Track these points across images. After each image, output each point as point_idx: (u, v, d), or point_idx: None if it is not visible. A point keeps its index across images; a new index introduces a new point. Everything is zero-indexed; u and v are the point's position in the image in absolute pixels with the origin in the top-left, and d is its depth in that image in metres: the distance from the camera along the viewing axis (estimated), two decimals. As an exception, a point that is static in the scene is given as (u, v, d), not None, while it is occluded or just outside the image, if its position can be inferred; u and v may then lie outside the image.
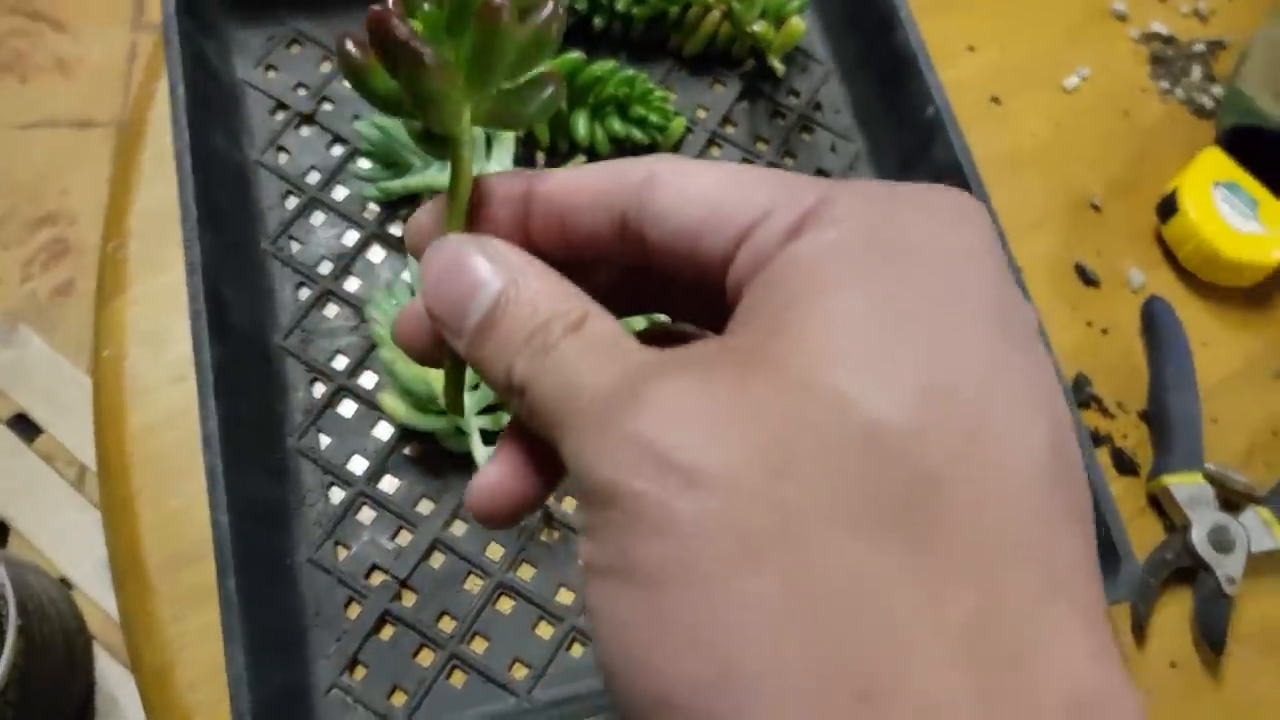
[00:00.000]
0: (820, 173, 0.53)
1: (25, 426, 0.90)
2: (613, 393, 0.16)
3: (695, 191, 0.18)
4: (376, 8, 0.18)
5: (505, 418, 0.44)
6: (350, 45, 0.19)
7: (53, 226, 1.11)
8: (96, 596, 0.80)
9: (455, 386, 0.22)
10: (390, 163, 0.48)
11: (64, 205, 1.12)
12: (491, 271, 0.19)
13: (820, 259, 0.16)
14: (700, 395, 0.15)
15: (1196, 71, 0.60)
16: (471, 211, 0.21)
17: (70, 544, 0.82)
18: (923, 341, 0.15)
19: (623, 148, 0.51)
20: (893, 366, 0.15)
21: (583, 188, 0.20)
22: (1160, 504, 0.51)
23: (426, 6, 0.20)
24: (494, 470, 0.21)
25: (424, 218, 0.21)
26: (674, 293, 0.22)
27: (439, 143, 0.21)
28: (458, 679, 0.42)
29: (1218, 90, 0.60)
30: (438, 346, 0.21)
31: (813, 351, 0.15)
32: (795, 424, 0.14)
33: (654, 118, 0.49)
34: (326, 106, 0.52)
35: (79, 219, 1.11)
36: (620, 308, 0.21)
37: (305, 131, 0.51)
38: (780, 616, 0.14)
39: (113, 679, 0.78)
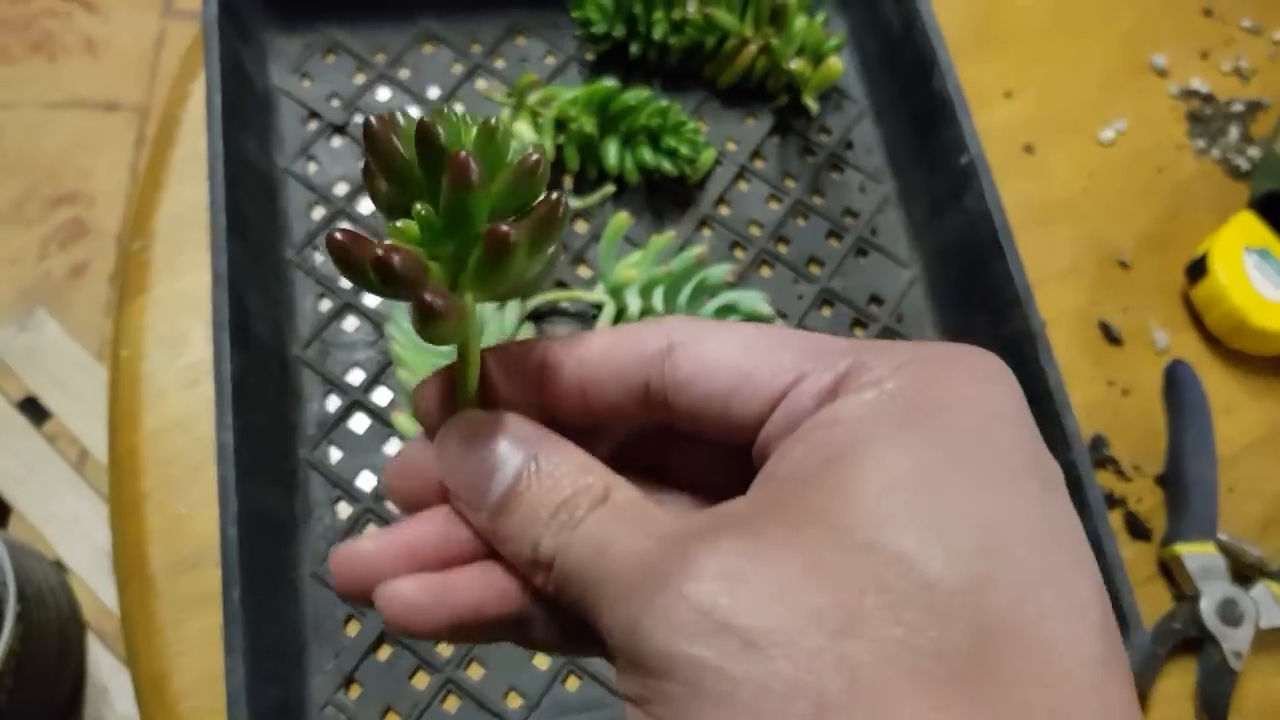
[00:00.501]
0: (848, 213, 0.53)
1: (35, 410, 0.90)
2: (657, 559, 0.16)
3: (721, 358, 0.19)
4: (380, 248, 0.18)
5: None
6: (342, 238, 0.18)
7: (72, 206, 1.11)
8: (92, 583, 0.80)
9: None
10: (419, 180, 0.48)
11: (84, 186, 1.12)
12: (509, 449, 0.19)
13: (862, 419, 0.17)
14: (752, 555, 0.15)
15: (1234, 132, 0.59)
16: (483, 383, 0.20)
17: (70, 529, 0.82)
18: (971, 499, 0.15)
19: (651, 178, 0.51)
20: (946, 525, 0.15)
21: (602, 362, 0.20)
22: (1171, 571, 0.50)
23: (420, 207, 0.19)
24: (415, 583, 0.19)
25: (432, 388, 0.21)
26: (691, 449, 0.22)
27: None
28: (451, 704, 0.42)
29: (1254, 152, 0.59)
30: (439, 499, 0.21)
31: (866, 510, 0.15)
32: (855, 583, 0.15)
33: (685, 150, 0.49)
34: (358, 118, 0.52)
35: (98, 201, 1.11)
36: (636, 462, 0.21)
37: (336, 142, 0.51)
38: None
39: (104, 668, 0.78)
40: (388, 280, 0.18)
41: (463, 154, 0.18)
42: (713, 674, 0.14)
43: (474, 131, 0.19)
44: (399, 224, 0.19)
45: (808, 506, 0.16)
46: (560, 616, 0.19)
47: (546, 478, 0.18)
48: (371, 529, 0.42)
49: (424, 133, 0.18)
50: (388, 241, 0.18)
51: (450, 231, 0.19)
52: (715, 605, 0.15)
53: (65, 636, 0.74)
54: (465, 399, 0.20)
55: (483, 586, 0.19)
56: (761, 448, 0.19)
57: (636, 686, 0.16)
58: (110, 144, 1.15)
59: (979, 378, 0.17)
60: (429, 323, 0.18)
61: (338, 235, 0.18)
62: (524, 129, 0.47)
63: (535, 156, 0.19)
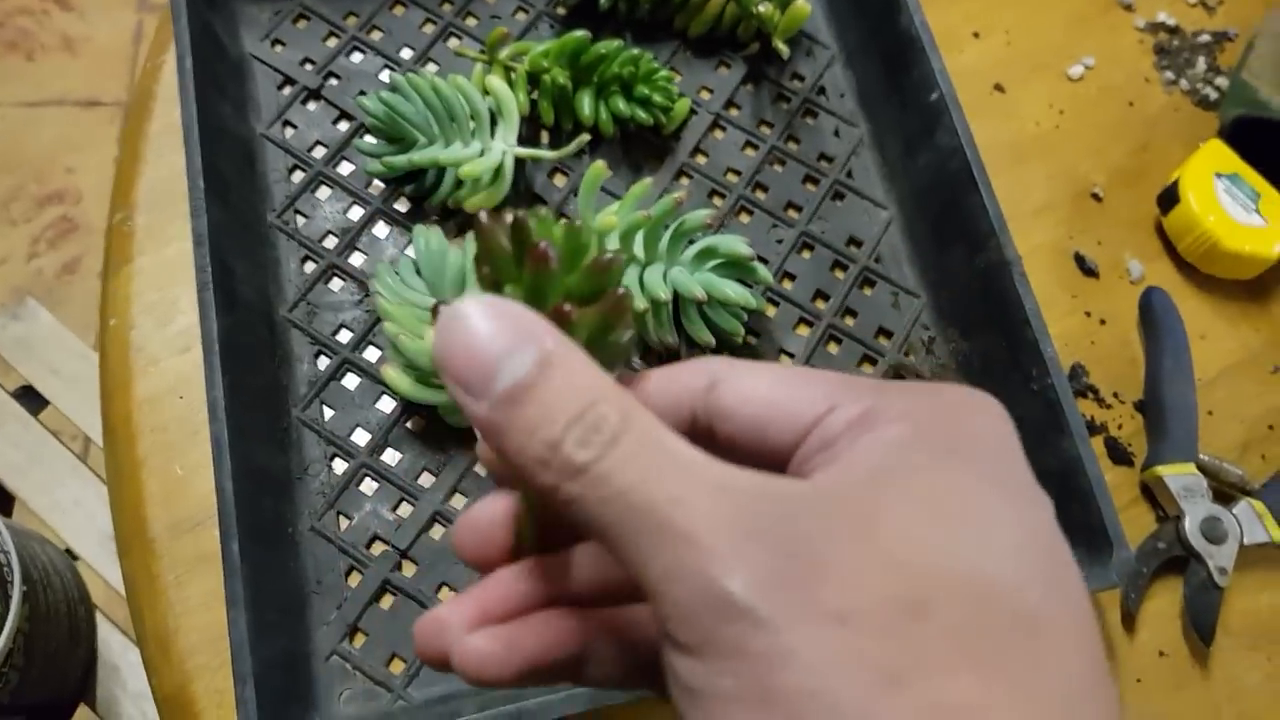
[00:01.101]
0: (823, 157, 0.54)
1: (32, 399, 0.91)
2: (730, 518, 0.17)
3: (758, 393, 0.21)
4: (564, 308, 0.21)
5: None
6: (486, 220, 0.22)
7: (59, 205, 1.11)
8: (99, 568, 0.81)
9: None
10: (395, 138, 0.48)
11: (70, 184, 1.12)
12: (527, 335, 0.19)
13: (905, 444, 0.19)
14: (828, 542, 0.17)
15: (1201, 63, 0.60)
16: None
17: (74, 516, 0.83)
18: (1005, 514, 0.18)
19: (625, 128, 0.52)
20: (990, 532, 0.18)
21: (656, 396, 0.22)
22: (1153, 494, 0.51)
23: (509, 288, 0.22)
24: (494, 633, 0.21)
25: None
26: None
27: None
28: (454, 649, 0.43)
29: (1222, 82, 0.60)
30: (506, 556, 0.22)
31: (922, 517, 0.18)
32: (924, 574, 0.17)
33: (658, 98, 0.50)
34: (332, 82, 0.52)
35: (85, 197, 1.12)
36: None
37: (312, 106, 0.52)
38: None
39: (114, 648, 0.79)
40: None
41: (543, 244, 0.21)
42: (797, 637, 0.16)
43: (561, 229, 0.22)
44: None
45: (866, 513, 0.18)
46: (618, 654, 0.21)
47: (561, 375, 0.18)
48: (447, 594, 0.43)
49: (518, 226, 0.22)
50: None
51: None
52: (800, 576, 0.17)
53: (74, 618, 0.75)
54: None
55: (546, 634, 0.21)
56: (797, 468, 0.21)
57: (700, 639, 0.17)
58: (94, 141, 1.15)
59: (989, 415, 0.20)
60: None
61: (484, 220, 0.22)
62: (497, 84, 0.48)
63: (610, 256, 0.22)
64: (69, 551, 0.83)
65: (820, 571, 0.17)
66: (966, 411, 0.20)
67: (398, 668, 0.42)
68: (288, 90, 0.52)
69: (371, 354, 0.47)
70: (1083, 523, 0.43)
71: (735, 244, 0.46)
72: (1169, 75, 0.60)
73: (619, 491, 0.17)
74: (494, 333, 0.19)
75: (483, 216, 0.22)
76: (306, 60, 0.52)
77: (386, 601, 0.43)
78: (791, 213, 0.53)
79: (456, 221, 0.49)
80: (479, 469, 0.45)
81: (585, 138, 0.49)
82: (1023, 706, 0.16)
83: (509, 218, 0.22)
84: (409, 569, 0.44)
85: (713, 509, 0.17)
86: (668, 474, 0.18)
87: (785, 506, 0.18)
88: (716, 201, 0.52)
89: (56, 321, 0.95)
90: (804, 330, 0.50)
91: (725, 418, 0.21)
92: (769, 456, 0.21)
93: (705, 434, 0.22)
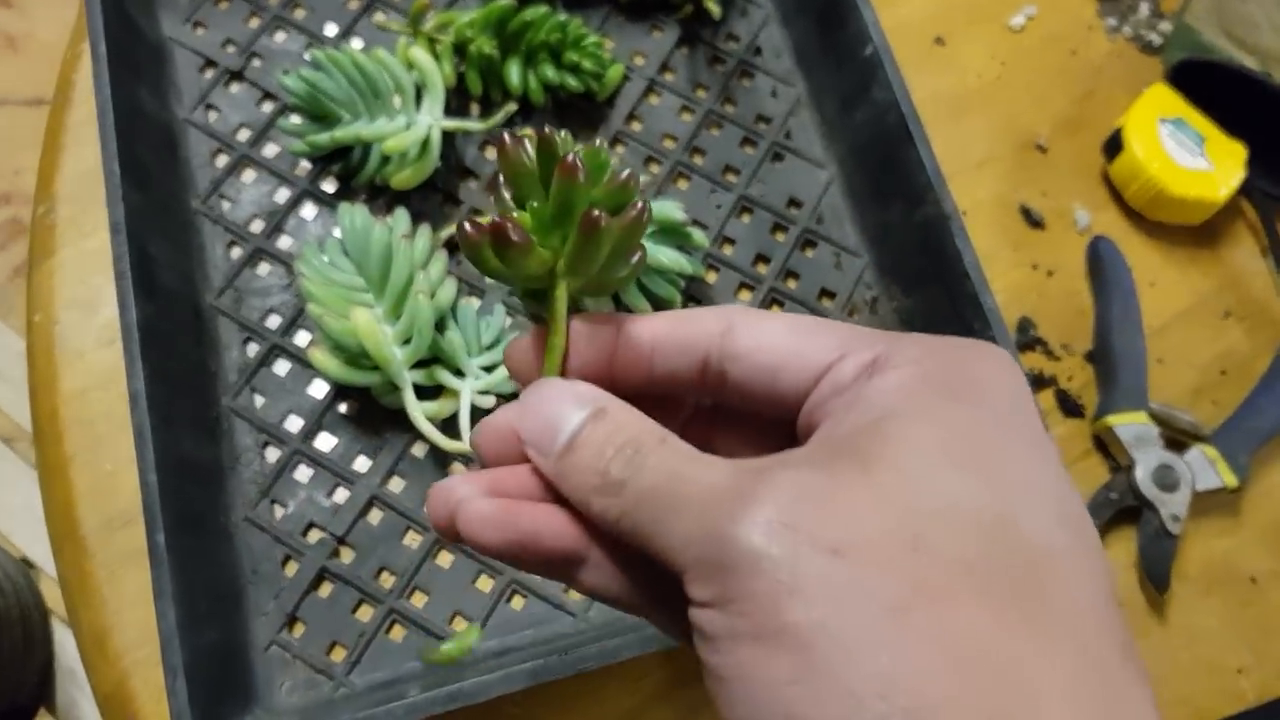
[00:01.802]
0: (761, 119, 0.53)
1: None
2: (738, 482, 0.19)
3: (773, 337, 0.22)
4: (498, 219, 0.22)
5: (439, 372, 0.43)
6: (469, 228, 0.23)
7: (8, 206, 1.09)
8: (53, 570, 0.80)
9: None
10: (318, 116, 0.47)
11: (18, 185, 1.10)
12: (579, 402, 0.22)
13: (909, 389, 0.20)
14: (828, 484, 0.18)
15: (1144, 8, 0.59)
16: (568, 347, 0.24)
17: (24, 520, 0.82)
18: (1011, 456, 0.19)
19: (557, 96, 0.51)
20: (994, 472, 0.18)
21: (670, 334, 0.23)
22: (1105, 445, 0.51)
23: (535, 203, 0.23)
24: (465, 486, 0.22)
25: (520, 348, 0.25)
26: (734, 441, 0.25)
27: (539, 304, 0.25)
28: (397, 633, 0.42)
29: (1165, 26, 0.59)
30: (519, 455, 0.23)
31: (923, 456, 0.18)
32: (919, 510, 0.18)
33: (588, 64, 0.49)
34: (256, 62, 0.51)
35: (34, 199, 1.10)
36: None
37: (235, 88, 0.50)
38: (926, 666, 0.16)
39: (72, 652, 0.78)
40: (505, 250, 0.22)
41: (570, 155, 0.22)
42: (800, 573, 0.17)
43: (580, 148, 0.23)
44: (516, 214, 0.23)
45: (871, 452, 0.19)
46: (612, 561, 0.22)
47: (611, 422, 0.21)
48: (387, 579, 0.42)
49: (545, 140, 0.23)
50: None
51: (556, 222, 0.23)
52: (801, 517, 0.17)
53: (28, 623, 0.74)
54: (551, 361, 0.23)
55: (546, 518, 0.22)
56: (808, 415, 0.21)
57: (719, 590, 0.18)
58: (39, 140, 1.13)
59: (996, 365, 0.21)
60: (528, 269, 0.23)
61: (467, 226, 0.23)
62: (420, 56, 0.47)
63: (629, 172, 0.24)
64: (27, 560, 0.82)
65: (822, 512, 0.18)
66: (975, 358, 0.21)
67: (339, 655, 0.41)
68: (209, 73, 0.50)
69: (301, 338, 0.46)
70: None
71: (670, 210, 0.45)
72: (1112, 22, 0.59)
73: (649, 491, 0.20)
74: (559, 400, 0.22)
75: (506, 137, 0.23)
76: (228, 41, 0.51)
77: (325, 589, 0.42)
78: (730, 176, 0.52)
79: (385, 199, 0.48)
80: (416, 451, 0.45)
81: (512, 107, 0.48)
82: (1033, 634, 0.17)
83: (533, 136, 0.23)
84: (347, 555, 0.43)
85: (721, 478, 0.19)
86: (686, 467, 0.20)
87: (789, 463, 0.19)
88: (653, 168, 0.51)
89: (3, 325, 0.94)
90: (746, 295, 0.49)
91: (737, 360, 0.22)
92: (780, 403, 0.22)
93: (717, 378, 0.23)
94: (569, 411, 0.22)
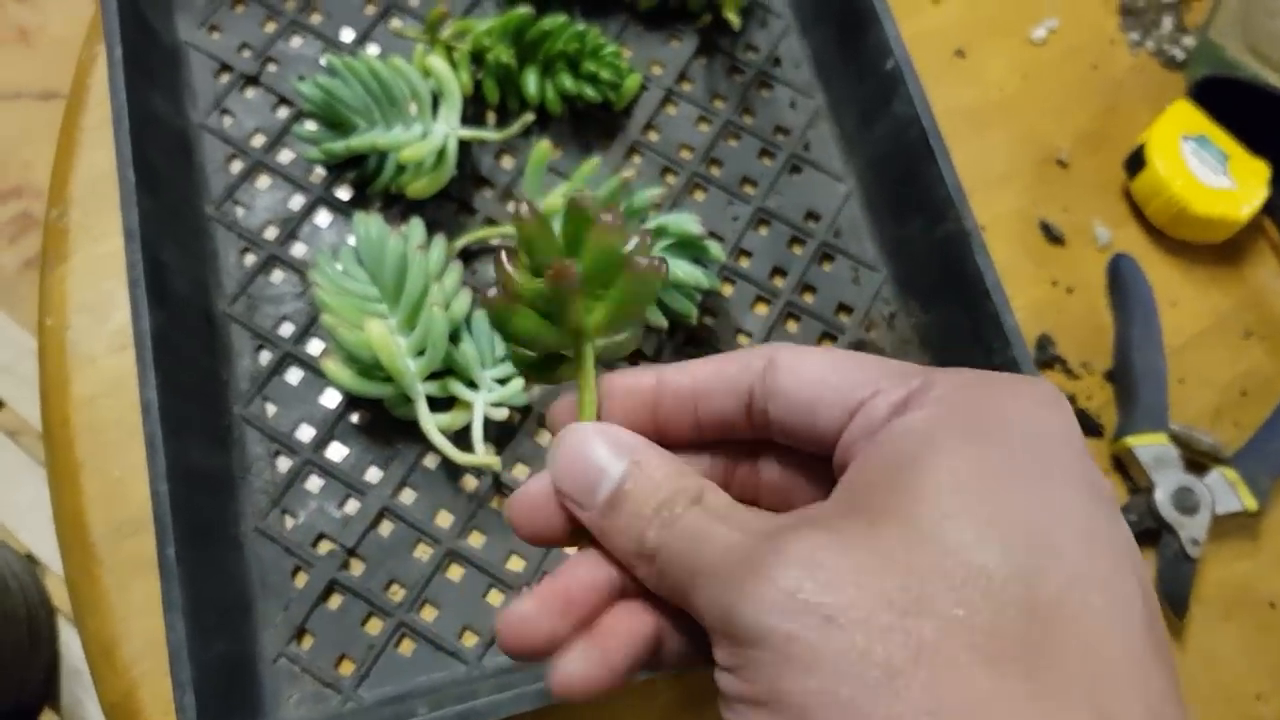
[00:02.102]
0: (780, 130, 0.52)
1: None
2: (749, 550, 0.19)
3: (810, 374, 0.22)
4: (560, 264, 0.22)
5: (452, 384, 0.43)
6: (496, 293, 0.23)
7: (18, 200, 1.09)
8: (60, 571, 0.80)
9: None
10: (334, 123, 0.47)
11: (29, 178, 1.10)
12: (615, 454, 0.22)
13: (931, 430, 0.19)
14: (834, 547, 0.18)
15: (1167, 22, 0.59)
16: (600, 404, 0.24)
17: (32, 518, 0.82)
18: (1024, 502, 0.18)
19: (574, 106, 0.50)
20: (1001, 523, 0.18)
21: (715, 375, 0.23)
22: (1124, 465, 0.50)
23: (579, 267, 0.23)
24: (529, 606, 0.22)
25: (562, 406, 0.24)
26: (779, 478, 0.25)
27: (559, 361, 0.25)
28: (406, 647, 0.42)
29: (1189, 41, 0.58)
30: (556, 525, 0.23)
31: (931, 509, 0.18)
32: (921, 571, 0.17)
33: (606, 74, 0.48)
34: (271, 68, 0.50)
35: (44, 192, 1.09)
36: (730, 491, 0.24)
37: (250, 93, 0.50)
38: None
39: (78, 652, 0.78)
40: (561, 280, 0.22)
41: (609, 215, 0.23)
42: (798, 644, 0.17)
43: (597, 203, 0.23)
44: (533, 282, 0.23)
45: (881, 506, 0.18)
46: (688, 634, 0.22)
47: (647, 479, 0.21)
48: (398, 591, 0.42)
49: (575, 204, 0.23)
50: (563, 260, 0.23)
51: (595, 280, 0.23)
52: (800, 588, 0.17)
53: (34, 621, 0.74)
54: (587, 418, 0.23)
55: (629, 630, 0.22)
56: (841, 454, 0.21)
57: (731, 657, 0.19)
58: (50, 134, 1.12)
59: (1035, 402, 0.20)
60: (563, 293, 0.23)
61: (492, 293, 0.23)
62: (437, 64, 0.46)
63: (641, 232, 0.24)
64: (31, 557, 0.82)
65: (825, 578, 0.17)
66: (1010, 394, 0.20)
67: (347, 669, 0.41)
68: (225, 78, 0.50)
69: (314, 347, 0.46)
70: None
71: (686, 223, 0.45)
72: (1134, 36, 0.58)
73: (676, 557, 0.20)
74: (593, 448, 0.22)
75: (523, 208, 0.23)
76: (244, 46, 0.51)
77: (334, 601, 0.42)
78: (747, 188, 0.51)
79: (400, 208, 0.48)
80: (428, 462, 0.44)
81: (529, 117, 0.47)
82: (1040, 699, 0.16)
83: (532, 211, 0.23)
84: (357, 567, 0.43)
85: (737, 544, 0.19)
86: (709, 530, 0.20)
87: (804, 523, 0.19)
88: (670, 179, 0.51)
89: (9, 319, 0.94)
90: (762, 309, 0.49)
91: (777, 397, 0.22)
92: (820, 440, 0.22)
93: (762, 417, 0.23)
94: (604, 463, 0.22)
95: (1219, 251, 0.55)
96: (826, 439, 0.22)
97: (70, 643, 0.79)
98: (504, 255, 0.23)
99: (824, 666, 0.17)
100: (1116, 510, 0.19)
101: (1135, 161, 0.54)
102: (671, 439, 0.23)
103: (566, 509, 0.23)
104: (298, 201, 0.48)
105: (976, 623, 0.17)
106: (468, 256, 0.47)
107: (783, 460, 0.25)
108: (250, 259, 0.47)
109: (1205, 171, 0.53)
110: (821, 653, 0.17)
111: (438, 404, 0.43)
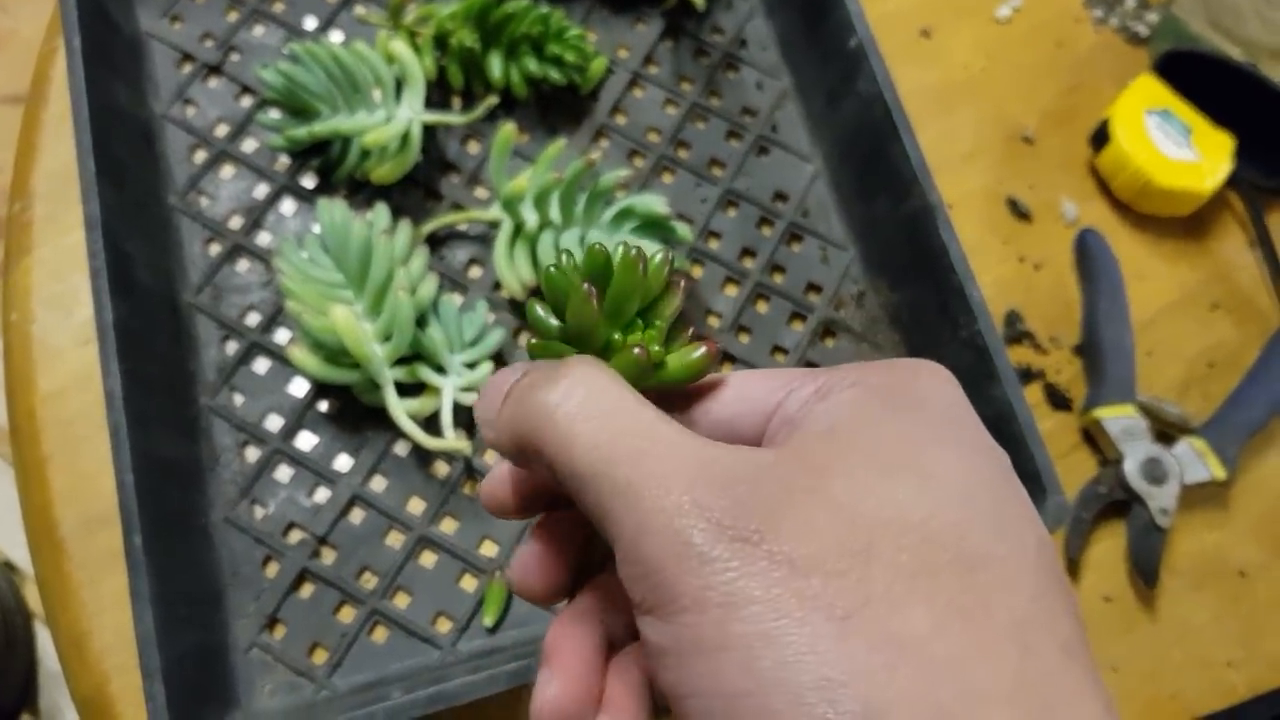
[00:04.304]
0: (746, 112, 0.52)
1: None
2: (699, 473, 0.19)
3: (728, 392, 0.23)
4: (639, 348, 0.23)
5: (420, 369, 0.43)
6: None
7: (-12, 201, 1.08)
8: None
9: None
10: (297, 110, 0.46)
11: (-1, 180, 1.09)
12: (514, 370, 0.23)
13: (856, 403, 0.21)
14: (785, 493, 0.19)
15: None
16: None
17: (6, 520, 0.81)
18: (947, 463, 0.20)
19: (540, 89, 0.50)
20: (932, 481, 0.19)
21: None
22: (1094, 438, 0.50)
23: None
24: (553, 686, 0.22)
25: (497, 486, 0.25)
26: None
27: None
28: (380, 634, 0.42)
29: (1152, 17, 0.59)
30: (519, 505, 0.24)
31: (870, 467, 0.19)
32: (867, 521, 0.18)
33: (571, 57, 0.48)
34: (234, 56, 0.50)
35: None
36: None
37: (213, 83, 0.50)
38: (872, 671, 0.17)
39: (55, 656, 0.77)
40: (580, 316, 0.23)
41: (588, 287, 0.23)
42: (750, 583, 0.18)
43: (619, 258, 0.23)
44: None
45: (822, 463, 0.19)
46: None
47: (540, 368, 0.22)
48: (369, 579, 0.42)
49: (597, 258, 0.23)
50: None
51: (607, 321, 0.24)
52: (761, 532, 0.18)
53: (9, 625, 0.73)
54: None
55: (634, 692, 0.22)
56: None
57: (665, 591, 0.18)
58: (17, 138, 1.12)
59: (934, 379, 0.22)
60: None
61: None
62: (400, 49, 0.46)
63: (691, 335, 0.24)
64: (10, 564, 0.81)
65: (774, 523, 0.18)
66: (914, 375, 0.22)
67: (320, 657, 0.41)
68: (187, 67, 0.50)
69: (281, 336, 0.45)
70: (1017, 470, 0.42)
71: (653, 203, 0.45)
72: (1098, 13, 0.59)
73: (594, 444, 0.20)
74: (504, 372, 0.23)
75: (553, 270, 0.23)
76: (206, 35, 0.50)
77: (306, 590, 0.42)
78: (715, 170, 0.51)
79: (365, 194, 0.48)
80: (398, 449, 0.44)
81: (493, 100, 0.47)
82: (976, 637, 0.17)
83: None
84: (328, 555, 0.42)
85: (680, 469, 0.19)
86: (638, 434, 0.20)
87: (746, 469, 0.19)
88: (638, 161, 0.51)
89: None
90: (732, 289, 0.49)
91: (698, 422, 0.23)
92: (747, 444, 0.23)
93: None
94: (511, 374, 0.23)
95: (1185, 225, 0.55)
96: (749, 444, 0.23)
97: (48, 647, 0.78)
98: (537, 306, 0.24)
99: (778, 607, 0.17)
100: (1011, 469, 0.21)
101: (1100, 136, 0.54)
102: None
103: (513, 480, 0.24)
104: (262, 190, 0.48)
105: (917, 569, 0.18)
106: (435, 242, 0.47)
107: None
108: (215, 249, 0.46)
109: (1169, 145, 0.53)
110: (778, 592, 0.17)
111: (406, 390, 0.43)
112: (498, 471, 0.25)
